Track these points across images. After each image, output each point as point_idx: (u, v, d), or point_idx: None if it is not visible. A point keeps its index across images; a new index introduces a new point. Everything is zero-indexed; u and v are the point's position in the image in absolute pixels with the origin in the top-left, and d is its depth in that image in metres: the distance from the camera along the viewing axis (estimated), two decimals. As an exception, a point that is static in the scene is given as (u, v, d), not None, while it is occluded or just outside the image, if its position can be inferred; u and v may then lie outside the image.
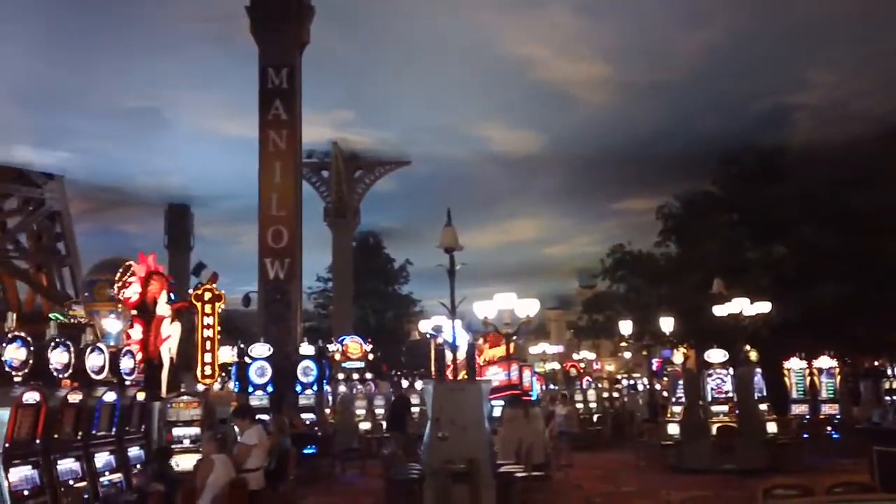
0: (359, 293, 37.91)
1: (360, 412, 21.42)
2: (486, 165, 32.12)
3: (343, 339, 26.63)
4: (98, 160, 30.07)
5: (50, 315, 21.58)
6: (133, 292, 9.47)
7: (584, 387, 25.51)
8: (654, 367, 29.47)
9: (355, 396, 22.13)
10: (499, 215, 37.18)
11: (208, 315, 11.47)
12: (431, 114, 27.67)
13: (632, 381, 36.34)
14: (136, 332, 9.26)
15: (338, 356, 25.24)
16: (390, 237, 42.50)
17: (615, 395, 29.05)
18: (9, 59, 22.89)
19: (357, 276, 36.17)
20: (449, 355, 13.49)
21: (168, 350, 9.65)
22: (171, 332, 9.64)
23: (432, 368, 21.69)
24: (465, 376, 14.22)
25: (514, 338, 14.59)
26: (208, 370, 11.44)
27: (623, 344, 29.20)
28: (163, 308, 9.58)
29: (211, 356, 11.47)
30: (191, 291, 13.99)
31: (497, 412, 14.54)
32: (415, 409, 19.80)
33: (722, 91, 25.84)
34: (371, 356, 27.20)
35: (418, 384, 26.18)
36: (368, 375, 25.69)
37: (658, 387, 27.12)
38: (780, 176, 25.43)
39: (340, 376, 24.15)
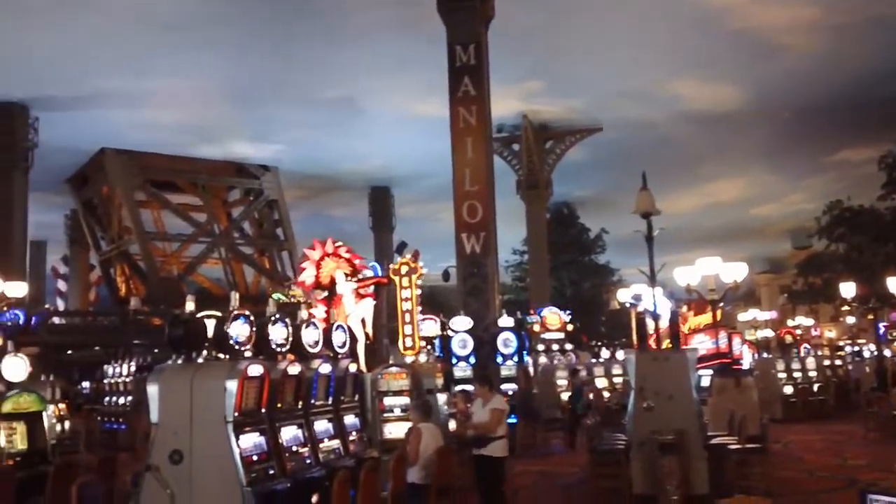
0: (555, 264, 37.80)
1: (562, 383, 21.42)
2: (683, 125, 30.71)
3: (541, 311, 26.69)
4: (306, 150, 32.09)
5: (272, 295, 23.46)
6: (307, 276, 10.14)
7: (802, 355, 23.86)
8: (882, 332, 26.96)
9: (556, 367, 22.14)
10: (699, 177, 35.49)
11: (406, 288, 11.91)
12: (622, 76, 26.83)
13: (856, 348, 33.49)
14: (319, 311, 9.85)
15: (537, 328, 25.34)
16: (584, 206, 41.89)
17: (837, 362, 26.93)
18: (225, 63, 24.94)
19: (552, 248, 36.06)
20: (651, 324, 13.11)
21: (361, 325, 10.15)
22: (354, 309, 10.18)
23: (633, 338, 21.20)
24: (669, 345, 13.76)
25: (721, 304, 13.91)
26: (409, 342, 11.90)
27: (845, 308, 26.99)
28: (342, 287, 10.12)
29: (410, 328, 11.91)
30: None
31: (705, 382, 13.97)
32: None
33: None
34: (570, 327, 27.03)
35: (619, 354, 25.71)
36: (568, 346, 25.61)
37: (888, 353, 24.79)
38: None
39: (540, 348, 24.26)
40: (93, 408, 20.75)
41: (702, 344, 14.96)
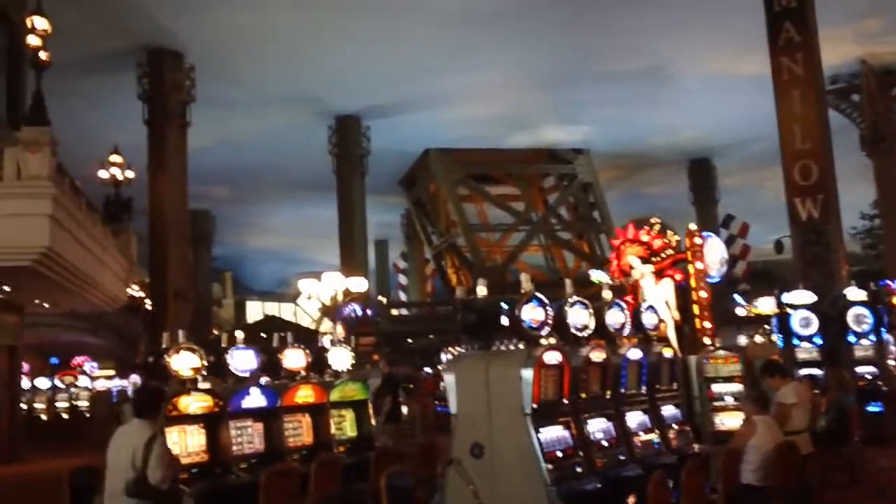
0: (917, 227, 32.55)
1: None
2: None
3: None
4: (615, 128, 31.26)
5: (593, 276, 23.07)
6: (613, 265, 10.30)
7: None
8: None
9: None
10: None
11: (690, 262, 10.78)
12: None
13: None
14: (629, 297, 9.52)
15: (896, 301, 21.85)
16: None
17: None
18: (531, 51, 25.10)
19: (912, 208, 31.07)
20: None
21: (666, 307, 9.55)
22: (654, 291, 9.62)
23: None
24: None
25: None
26: (696, 322, 10.72)
27: None
28: (637, 270, 9.82)
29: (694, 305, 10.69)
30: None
31: None
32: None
33: None
34: (942, 298, 22.92)
35: None
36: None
37: None
38: None
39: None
40: (431, 392, 22.03)
41: None
